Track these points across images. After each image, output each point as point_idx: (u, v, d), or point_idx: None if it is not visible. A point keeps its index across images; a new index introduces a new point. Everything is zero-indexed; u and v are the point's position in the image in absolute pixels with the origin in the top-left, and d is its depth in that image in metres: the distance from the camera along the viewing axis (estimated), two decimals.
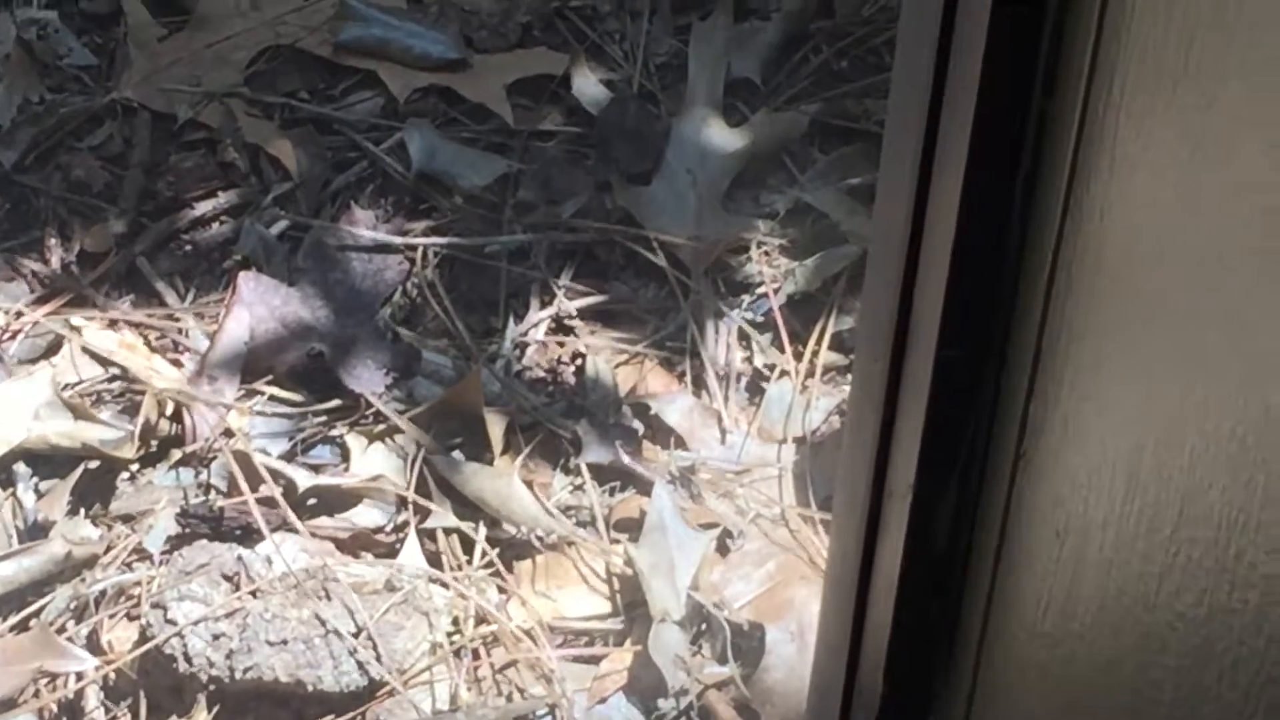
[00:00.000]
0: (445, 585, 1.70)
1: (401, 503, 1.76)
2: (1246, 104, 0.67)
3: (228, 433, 1.80)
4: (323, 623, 1.63)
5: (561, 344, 1.88)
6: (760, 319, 1.89)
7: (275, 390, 1.85)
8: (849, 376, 1.84)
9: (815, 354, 1.86)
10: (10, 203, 2.00)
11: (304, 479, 1.75)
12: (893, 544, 1.01)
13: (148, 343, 1.89)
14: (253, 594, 1.65)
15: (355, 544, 1.74)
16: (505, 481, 1.75)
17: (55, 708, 1.66)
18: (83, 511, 1.78)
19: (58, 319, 1.90)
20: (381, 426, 1.81)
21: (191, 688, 1.63)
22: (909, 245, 0.93)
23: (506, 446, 1.79)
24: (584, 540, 1.74)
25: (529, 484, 1.75)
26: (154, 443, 1.81)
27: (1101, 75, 0.77)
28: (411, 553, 1.72)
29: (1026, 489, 0.91)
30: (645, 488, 1.75)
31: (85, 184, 2.00)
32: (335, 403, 1.84)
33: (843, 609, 1.10)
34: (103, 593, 1.70)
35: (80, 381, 1.86)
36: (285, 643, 1.62)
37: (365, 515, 1.76)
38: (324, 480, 1.76)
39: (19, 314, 1.91)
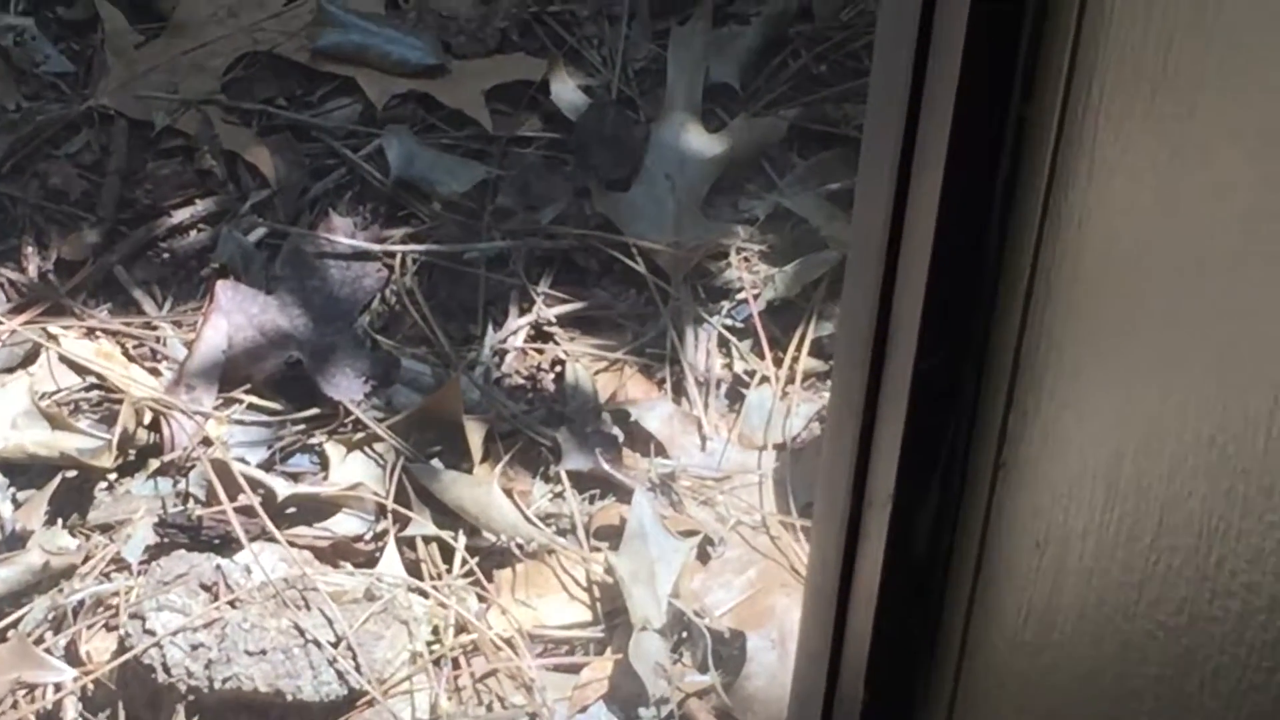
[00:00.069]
0: (425, 594, 1.70)
1: (381, 511, 1.75)
2: (1225, 108, 0.67)
3: (206, 442, 1.80)
4: (302, 632, 1.63)
5: (541, 351, 1.87)
6: (740, 325, 1.89)
7: (253, 399, 1.84)
8: (829, 383, 1.83)
9: (795, 360, 1.85)
10: None
11: (283, 488, 1.75)
12: (873, 552, 1.01)
13: (125, 351, 1.89)
14: (231, 604, 1.65)
15: (334, 553, 1.73)
16: (485, 489, 1.74)
17: (34, 719, 1.65)
18: (60, 521, 1.77)
19: (35, 328, 1.89)
20: (360, 435, 1.80)
21: (170, 698, 1.63)
22: (887, 251, 0.92)
23: (486, 454, 1.78)
24: (564, 548, 1.73)
25: (508, 492, 1.75)
26: (132, 452, 1.80)
27: (1080, 79, 0.76)
28: (391, 561, 1.72)
29: (1006, 498, 0.91)
30: (625, 495, 1.75)
31: (62, 192, 2.00)
32: (314, 411, 1.83)
33: (823, 617, 1.10)
34: (81, 603, 1.70)
35: (58, 390, 1.85)
36: (264, 652, 1.62)
37: (344, 524, 1.75)
38: (303, 489, 1.76)
39: None
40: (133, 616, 1.65)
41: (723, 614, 1.68)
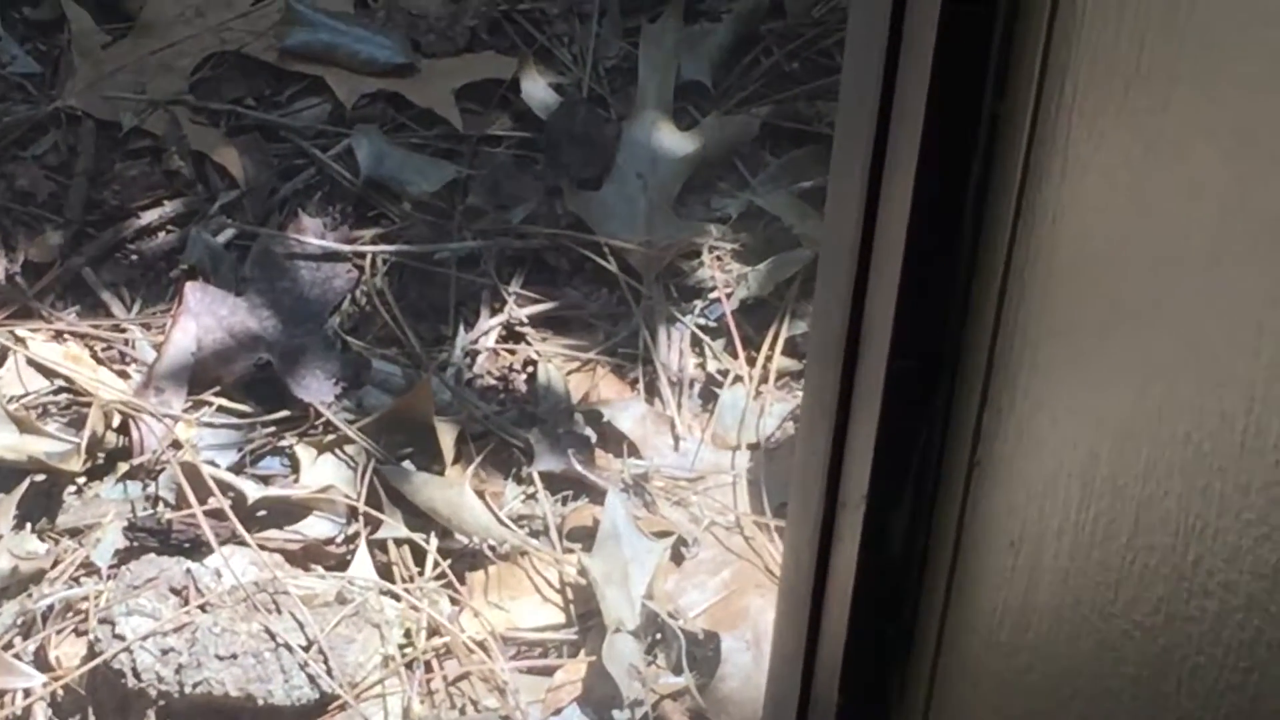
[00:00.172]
0: (397, 597, 1.69)
1: (352, 514, 1.74)
2: (1199, 105, 0.67)
3: (175, 444, 1.79)
4: (273, 636, 1.62)
5: (512, 351, 1.86)
6: (713, 324, 1.88)
7: (223, 401, 1.84)
8: (803, 382, 1.83)
9: (769, 359, 1.85)
10: None
11: (253, 491, 1.74)
12: (847, 554, 1.00)
13: (94, 354, 1.88)
14: (202, 608, 1.64)
15: (305, 556, 1.73)
16: (457, 491, 1.74)
17: None
18: (29, 526, 1.76)
19: (2, 331, 1.88)
20: (331, 437, 1.80)
21: (140, 703, 1.62)
22: (860, 250, 0.91)
23: (458, 456, 1.78)
24: (537, 550, 1.72)
25: (481, 493, 1.74)
26: (101, 455, 1.80)
27: (1053, 76, 0.76)
28: (362, 564, 1.71)
29: (981, 497, 0.90)
30: (598, 496, 1.74)
31: (29, 194, 1.98)
32: (284, 413, 1.82)
33: (797, 619, 1.09)
34: (50, 608, 1.69)
35: (26, 394, 1.84)
36: (235, 657, 1.61)
37: (315, 527, 1.75)
38: (273, 492, 1.75)
39: None
40: (102, 621, 1.64)
41: (697, 615, 1.67)
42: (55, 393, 1.85)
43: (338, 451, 1.79)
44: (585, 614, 1.69)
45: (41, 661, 1.66)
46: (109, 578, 1.70)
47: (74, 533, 1.75)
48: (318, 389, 1.83)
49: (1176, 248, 0.69)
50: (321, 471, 1.78)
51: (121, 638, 1.62)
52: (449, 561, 1.72)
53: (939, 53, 0.80)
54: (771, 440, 1.80)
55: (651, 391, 1.84)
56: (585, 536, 1.73)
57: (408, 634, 1.67)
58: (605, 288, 1.91)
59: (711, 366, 1.86)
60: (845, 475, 1.00)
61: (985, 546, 0.90)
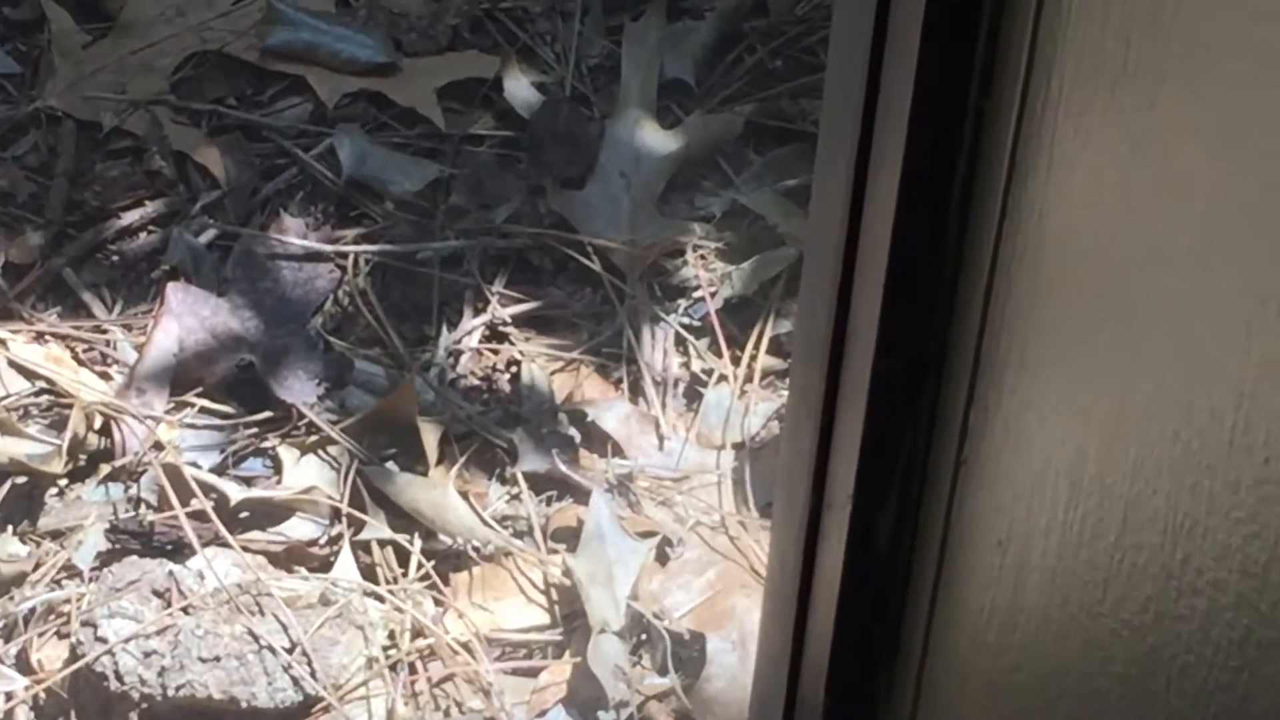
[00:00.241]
0: (380, 598, 1.68)
1: (335, 515, 1.74)
2: (1186, 102, 0.66)
3: (157, 446, 1.78)
4: (256, 638, 1.61)
5: (496, 351, 1.86)
6: (697, 323, 1.88)
7: (205, 402, 1.83)
8: (788, 381, 1.82)
9: (753, 358, 1.85)
10: None
11: (235, 492, 1.74)
12: (833, 554, 1.00)
13: (75, 355, 1.87)
14: (184, 610, 1.63)
15: (288, 557, 1.72)
16: (440, 492, 1.73)
17: None
18: (10, 528, 1.75)
19: None
20: (314, 438, 1.79)
21: (123, 706, 1.61)
22: (845, 248, 0.91)
23: (441, 456, 1.77)
24: (521, 551, 1.72)
25: (464, 494, 1.74)
26: (82, 457, 1.79)
27: (1039, 73, 0.75)
28: (346, 566, 1.70)
29: (967, 496, 0.90)
30: (583, 496, 1.74)
31: (9, 194, 1.98)
32: (266, 414, 1.82)
33: (783, 619, 1.09)
34: (32, 611, 1.68)
35: (6, 395, 1.84)
36: (218, 659, 1.60)
37: (298, 528, 1.74)
38: (256, 493, 1.75)
39: None
40: (84, 624, 1.63)
41: (682, 615, 1.67)
42: (36, 394, 1.84)
43: (321, 452, 1.79)
44: (570, 615, 1.69)
45: (23, 664, 1.66)
46: (91, 580, 1.70)
47: (55, 535, 1.74)
48: (300, 390, 1.82)
49: (1164, 245, 0.69)
50: (304, 472, 1.77)
51: (104, 640, 1.62)
52: (433, 563, 1.71)
53: (924, 49, 0.80)
54: (756, 439, 1.79)
55: (636, 391, 1.84)
56: (570, 537, 1.72)
57: (391, 635, 1.67)
58: (589, 287, 1.91)
59: (696, 366, 1.85)
60: (831, 475, 0.99)
61: (972, 546, 0.90)
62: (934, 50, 0.80)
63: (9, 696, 1.64)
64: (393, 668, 1.65)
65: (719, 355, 1.85)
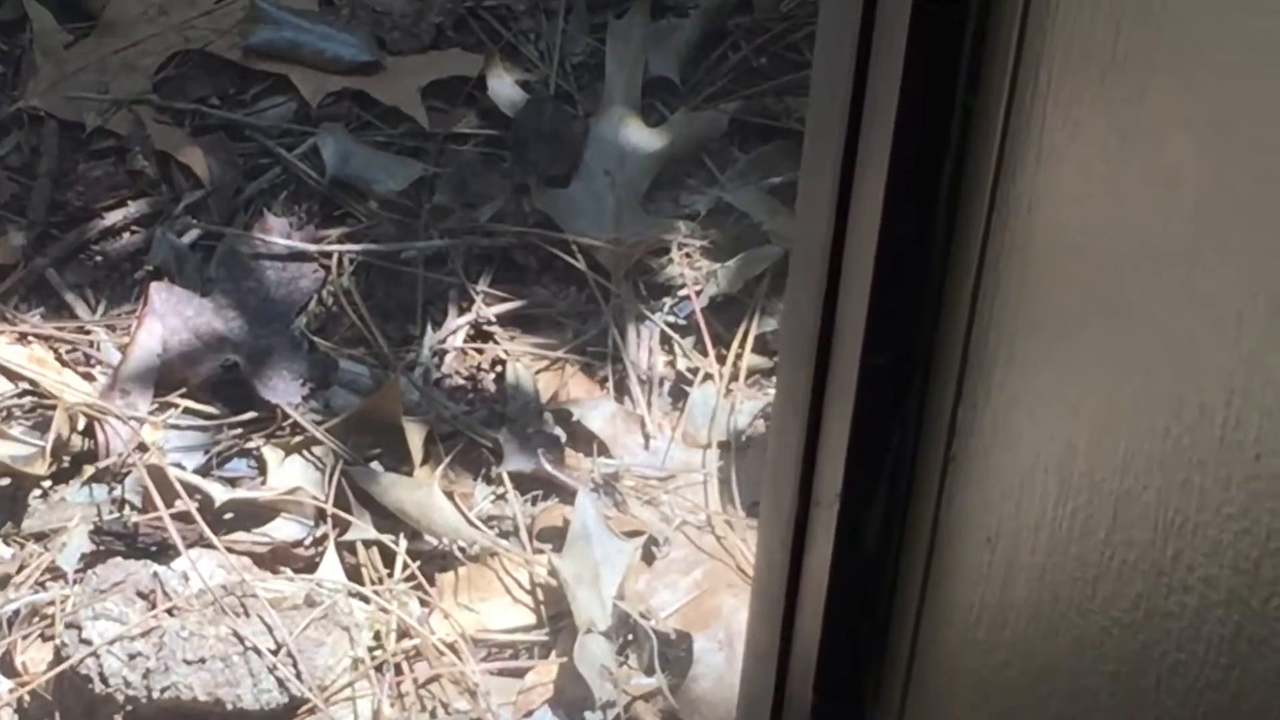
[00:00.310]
0: (366, 599, 1.68)
1: (320, 515, 1.73)
2: (1176, 93, 0.66)
3: (141, 447, 1.78)
4: (241, 640, 1.61)
5: (481, 351, 1.85)
6: (682, 322, 1.87)
7: (189, 403, 1.82)
8: (773, 379, 1.82)
9: (739, 357, 1.84)
10: None
11: (220, 493, 1.73)
12: (820, 552, 0.99)
13: (58, 356, 1.87)
14: (169, 612, 1.63)
15: (273, 558, 1.72)
16: (425, 492, 1.73)
17: None
18: None
19: None
20: (298, 438, 1.78)
21: (108, 708, 1.61)
22: (832, 245, 0.91)
23: (426, 456, 1.77)
24: (507, 551, 1.71)
25: (450, 494, 1.73)
26: (66, 458, 1.79)
27: (1027, 65, 0.75)
28: (331, 566, 1.70)
29: (956, 492, 0.89)
30: (568, 496, 1.73)
31: None
32: (251, 414, 1.81)
33: (771, 618, 1.08)
34: (16, 613, 1.68)
35: None
36: (203, 661, 1.60)
37: (283, 529, 1.74)
38: (240, 494, 1.74)
39: None
40: (69, 626, 1.63)
41: (668, 615, 1.66)
42: (19, 395, 1.83)
43: (305, 453, 1.78)
44: (556, 615, 1.68)
45: (8, 667, 1.65)
46: (75, 582, 1.69)
47: (39, 537, 1.74)
48: (285, 390, 1.82)
49: (1154, 238, 0.68)
50: (289, 473, 1.77)
51: (88, 642, 1.61)
52: (418, 563, 1.71)
53: (911, 43, 0.79)
54: (742, 438, 1.79)
55: (621, 390, 1.83)
56: (555, 537, 1.72)
57: (377, 636, 1.66)
58: (574, 286, 1.90)
59: (681, 364, 1.85)
60: (818, 473, 0.99)
61: (961, 543, 0.90)
62: (921, 44, 0.79)
63: None
64: (378, 669, 1.65)
65: (704, 354, 1.85)
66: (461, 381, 1.84)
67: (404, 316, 1.89)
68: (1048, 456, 0.79)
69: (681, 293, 1.89)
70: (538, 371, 1.84)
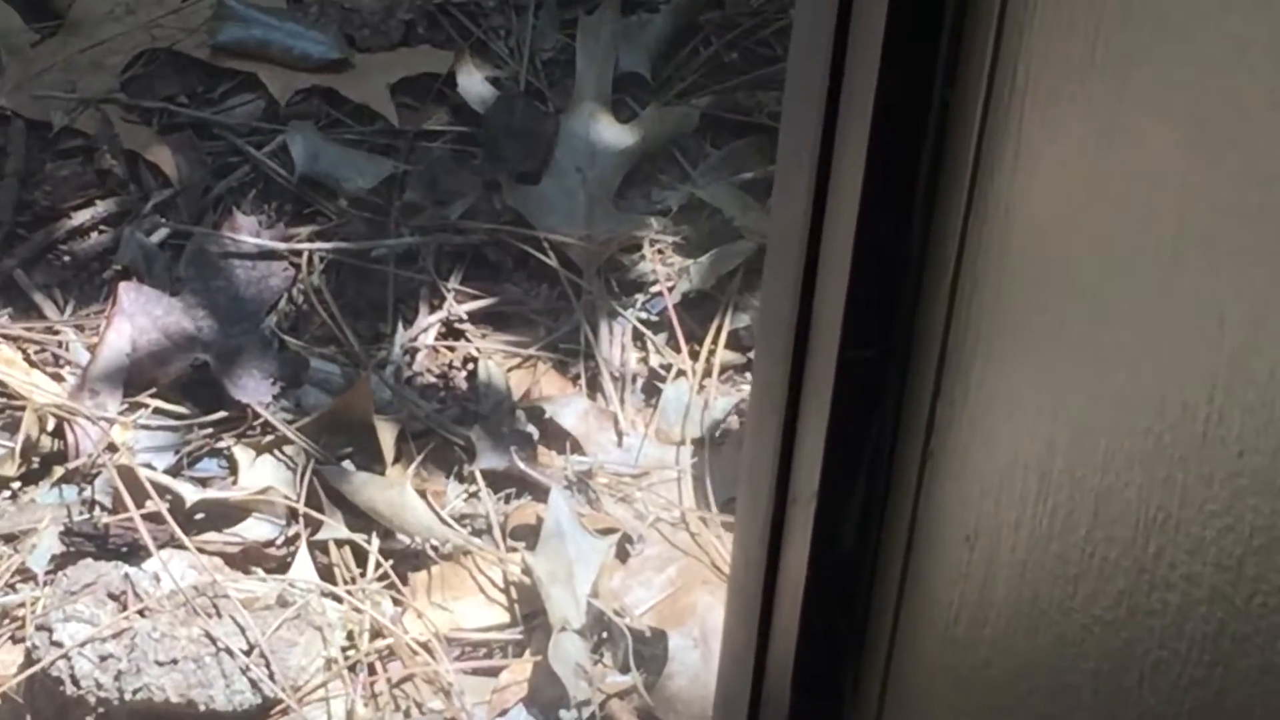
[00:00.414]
0: (339, 599, 1.67)
1: (292, 515, 1.73)
2: (1156, 89, 0.65)
3: (111, 447, 1.77)
4: (213, 641, 1.60)
5: (452, 349, 1.85)
6: (655, 318, 1.87)
7: (159, 403, 1.82)
8: (747, 375, 1.82)
9: (712, 353, 1.84)
10: None
11: (191, 493, 1.72)
12: (797, 550, 0.99)
13: (27, 357, 1.86)
14: (140, 613, 1.62)
15: (245, 559, 1.71)
16: (398, 491, 1.72)
17: None
18: None
19: None
20: (269, 437, 1.78)
21: (79, 711, 1.60)
22: (809, 241, 0.90)
23: (398, 455, 1.76)
24: (480, 549, 1.71)
25: (422, 493, 1.73)
26: (35, 459, 1.78)
27: (1005, 62, 0.75)
28: (303, 566, 1.69)
29: (934, 490, 0.89)
30: (541, 494, 1.73)
31: None
32: (221, 414, 1.81)
33: (748, 617, 1.08)
34: None
35: None
36: (175, 662, 1.59)
37: (255, 529, 1.73)
38: (211, 494, 1.73)
39: None
40: (39, 628, 1.62)
41: (643, 613, 1.66)
42: None
43: (276, 452, 1.77)
44: (530, 613, 1.68)
45: None
46: (45, 584, 1.68)
47: (9, 538, 1.73)
48: (255, 389, 1.81)
49: (1135, 237, 0.68)
50: (260, 473, 1.76)
51: (59, 645, 1.60)
52: (391, 562, 1.70)
53: (888, 37, 0.79)
54: (716, 434, 1.78)
55: (594, 387, 1.83)
56: (529, 535, 1.71)
57: (350, 636, 1.66)
58: (545, 283, 1.90)
59: (654, 361, 1.84)
60: (795, 470, 0.98)
61: (940, 540, 0.89)
62: (898, 39, 0.79)
63: None
64: (352, 669, 1.64)
65: (677, 350, 1.84)
66: (433, 379, 1.83)
67: (375, 315, 1.88)
68: (1027, 454, 0.78)
69: (654, 289, 1.89)
70: (510, 369, 1.84)
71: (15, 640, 1.66)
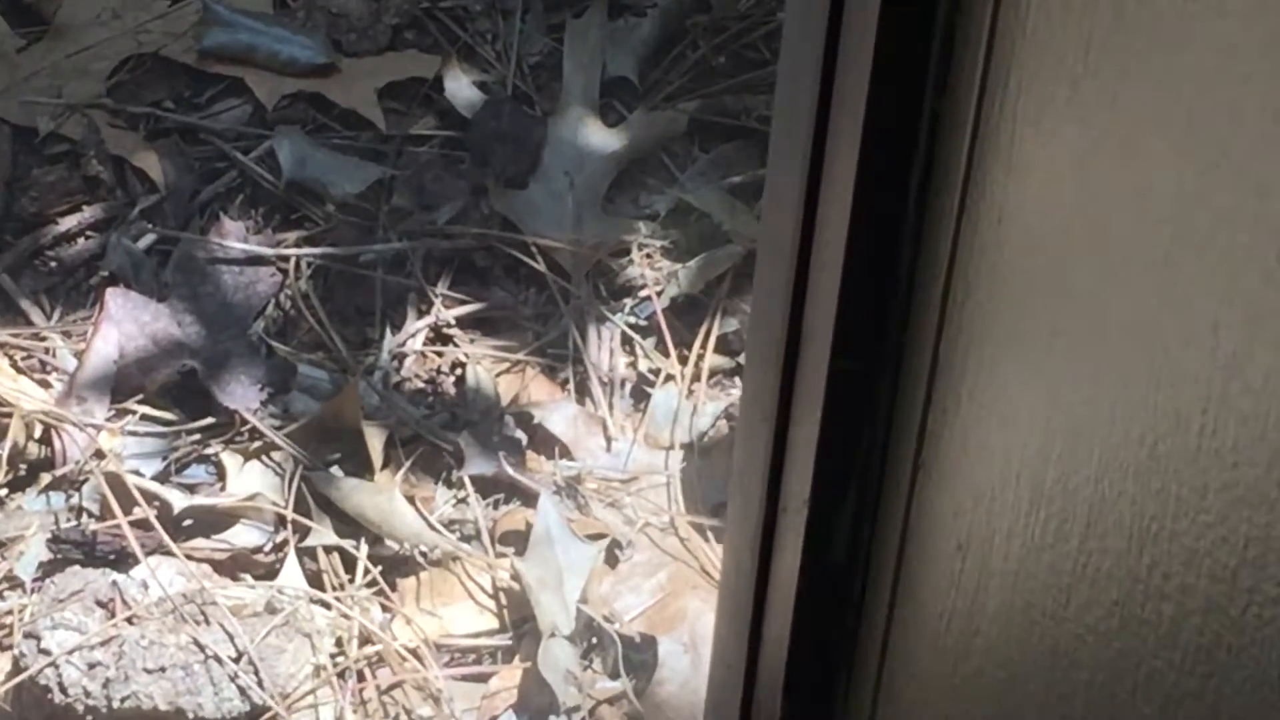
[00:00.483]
0: (327, 605, 1.67)
1: (280, 522, 1.72)
2: (1149, 97, 0.65)
3: (99, 454, 1.76)
4: (202, 648, 1.60)
5: (440, 354, 1.84)
6: (643, 323, 1.86)
7: (147, 409, 1.81)
8: (736, 380, 1.81)
9: (700, 357, 1.83)
10: None
11: (179, 500, 1.72)
12: (789, 558, 0.98)
13: (14, 363, 1.85)
14: (129, 620, 1.62)
15: (233, 565, 1.70)
16: (386, 497, 1.72)
17: None
18: None
19: None
20: (257, 444, 1.77)
21: (68, 718, 1.59)
22: (800, 248, 0.90)
23: (387, 460, 1.76)
24: (469, 555, 1.70)
25: (411, 499, 1.72)
26: (23, 466, 1.77)
27: (997, 70, 0.74)
28: (292, 573, 1.69)
29: (926, 499, 0.89)
30: (530, 499, 1.73)
31: None
32: (209, 420, 1.80)
33: (739, 625, 1.08)
34: None
35: None
36: (163, 670, 1.59)
37: (243, 535, 1.72)
38: (199, 500, 1.73)
39: None
40: (27, 636, 1.61)
41: (633, 618, 1.66)
42: None
43: (264, 458, 1.77)
44: (519, 619, 1.67)
45: None
46: (33, 591, 1.68)
47: None
48: (243, 395, 1.80)
49: (1128, 245, 0.68)
50: (248, 479, 1.75)
51: (47, 652, 1.60)
52: (380, 568, 1.70)
53: (879, 45, 0.78)
54: (705, 439, 1.78)
55: (582, 392, 1.82)
56: (518, 540, 1.71)
57: (339, 643, 1.65)
58: (534, 288, 1.89)
59: (643, 366, 1.84)
60: (786, 478, 0.98)
61: (932, 549, 0.89)
62: (889, 48, 0.79)
63: None
64: (341, 675, 1.63)
65: (666, 355, 1.84)
66: (421, 385, 1.83)
67: (363, 320, 1.87)
68: (1019, 463, 0.78)
69: (642, 293, 1.88)
70: (498, 374, 1.83)
71: (3, 648, 1.65)
